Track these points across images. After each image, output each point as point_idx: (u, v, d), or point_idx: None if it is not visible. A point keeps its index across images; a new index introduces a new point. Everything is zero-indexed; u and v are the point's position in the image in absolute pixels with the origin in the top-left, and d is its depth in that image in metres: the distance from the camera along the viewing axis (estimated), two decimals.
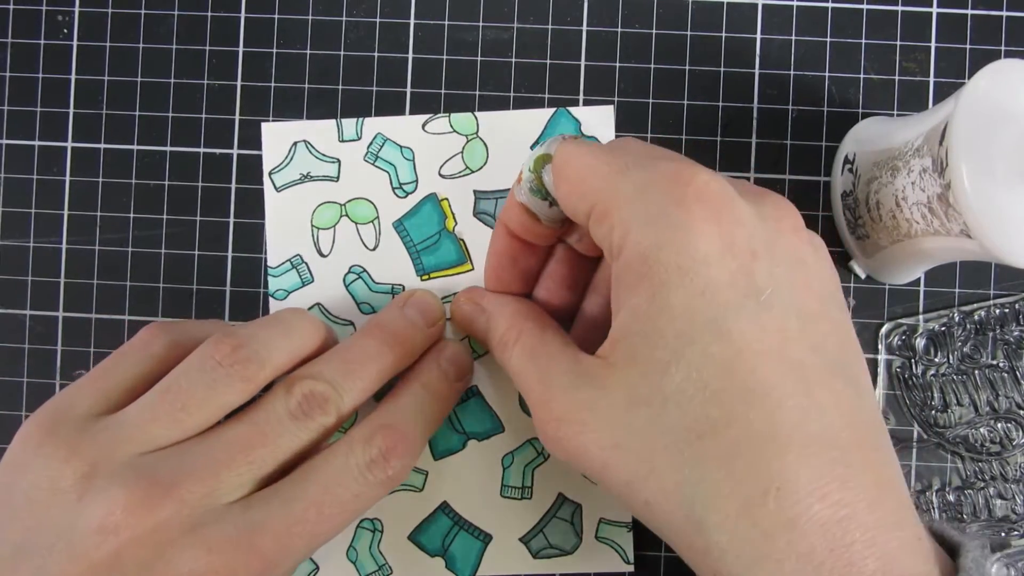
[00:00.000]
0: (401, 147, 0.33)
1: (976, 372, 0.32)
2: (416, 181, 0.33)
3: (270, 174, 0.33)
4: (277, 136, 0.33)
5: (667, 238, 0.22)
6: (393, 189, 0.33)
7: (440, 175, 0.33)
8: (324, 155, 0.33)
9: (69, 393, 0.26)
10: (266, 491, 0.25)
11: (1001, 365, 0.32)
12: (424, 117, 0.33)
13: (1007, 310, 0.32)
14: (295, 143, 0.33)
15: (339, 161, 0.33)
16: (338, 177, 0.33)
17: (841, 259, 0.32)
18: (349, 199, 0.33)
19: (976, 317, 0.32)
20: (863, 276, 0.32)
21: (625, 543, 0.32)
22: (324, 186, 0.33)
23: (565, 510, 0.32)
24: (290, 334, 0.28)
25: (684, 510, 0.21)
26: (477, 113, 0.33)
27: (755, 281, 0.22)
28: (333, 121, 0.33)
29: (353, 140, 0.33)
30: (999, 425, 0.32)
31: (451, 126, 0.33)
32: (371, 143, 0.33)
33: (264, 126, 0.33)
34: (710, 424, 0.21)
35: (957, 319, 0.32)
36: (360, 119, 0.33)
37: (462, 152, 0.33)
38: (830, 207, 0.33)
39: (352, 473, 0.26)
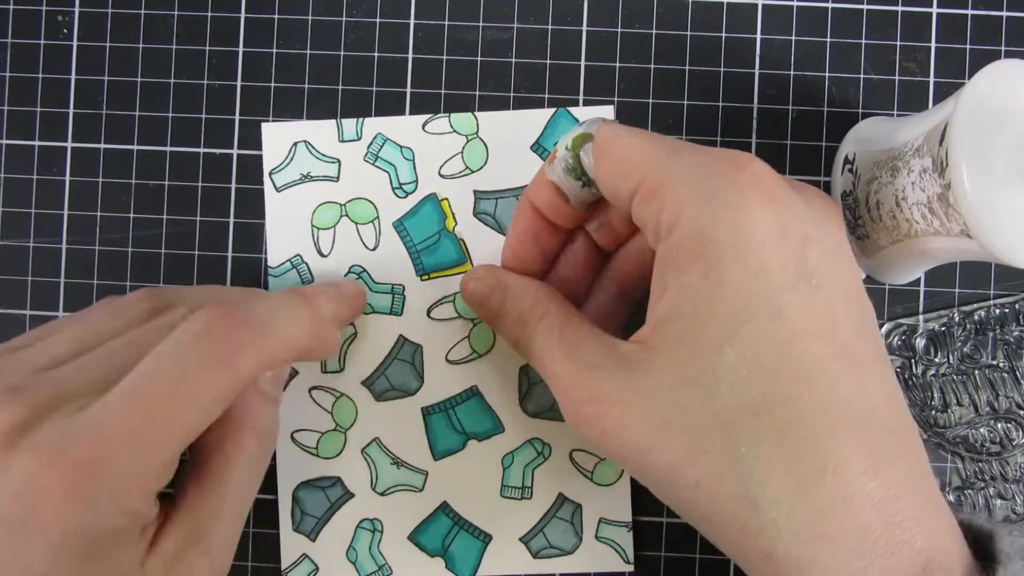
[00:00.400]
0: (401, 147, 0.33)
1: (976, 372, 0.32)
2: (416, 181, 0.33)
3: (270, 174, 0.33)
4: (277, 136, 0.33)
5: (724, 218, 0.22)
6: (393, 189, 0.33)
7: (440, 175, 0.33)
8: (324, 155, 0.33)
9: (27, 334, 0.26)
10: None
11: (1001, 365, 0.32)
12: (424, 117, 0.33)
13: (1007, 310, 0.32)
14: (295, 143, 0.33)
15: (339, 161, 0.33)
16: (338, 177, 0.33)
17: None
18: (349, 199, 0.33)
19: (976, 317, 0.32)
20: (863, 276, 0.32)
21: (625, 543, 0.32)
22: (324, 186, 0.33)
23: (565, 510, 0.32)
24: (217, 292, 0.28)
25: (739, 488, 0.21)
26: (477, 113, 0.33)
27: (807, 265, 0.22)
28: (333, 121, 0.33)
29: (353, 140, 0.33)
30: (999, 425, 0.32)
31: (451, 126, 0.33)
32: (371, 143, 0.33)
33: (264, 126, 0.33)
34: (765, 403, 0.21)
35: (957, 319, 0.32)
36: (360, 119, 0.33)
37: (462, 152, 0.33)
38: None
39: (176, 346, 0.23)
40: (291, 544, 0.32)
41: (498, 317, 0.28)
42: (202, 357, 0.23)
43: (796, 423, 0.21)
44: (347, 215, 0.33)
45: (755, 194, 0.22)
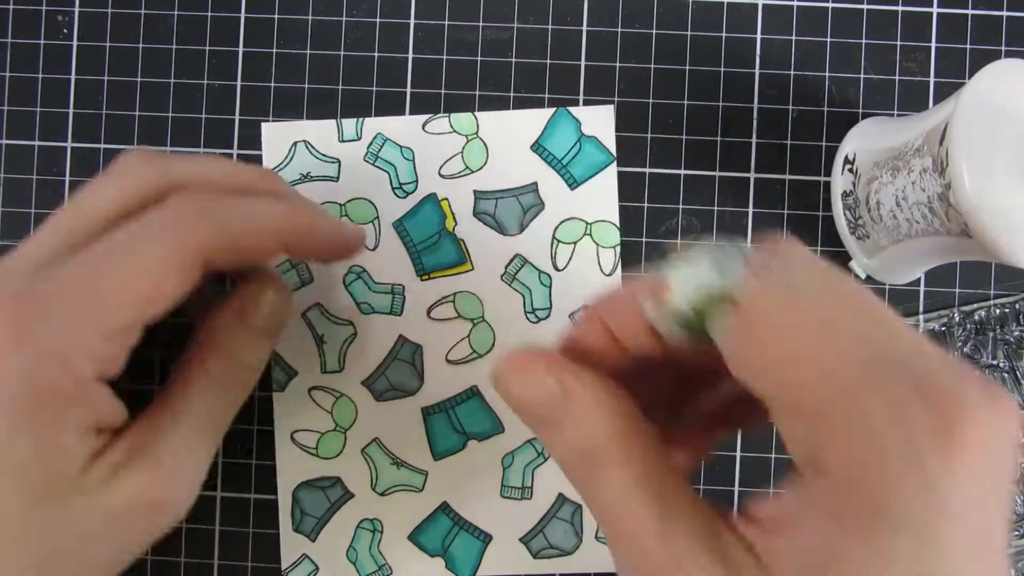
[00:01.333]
0: (401, 147, 0.33)
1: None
2: (416, 181, 0.33)
3: None
4: (277, 136, 0.33)
5: (916, 490, 0.16)
6: (393, 189, 0.33)
7: (440, 175, 0.33)
8: (324, 155, 0.33)
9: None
10: None
11: (1001, 365, 0.32)
12: (424, 117, 0.33)
13: (1007, 310, 0.32)
14: (295, 143, 0.33)
15: (339, 161, 0.33)
16: (338, 177, 0.33)
17: (841, 259, 0.32)
18: (349, 199, 0.33)
19: (976, 317, 0.32)
20: (863, 276, 0.32)
21: None
22: (324, 186, 0.33)
23: (565, 510, 0.32)
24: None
25: None
26: (477, 113, 0.33)
27: (994, 541, 0.17)
28: (333, 121, 0.33)
29: (353, 140, 0.33)
30: None
31: (451, 126, 0.33)
32: (371, 143, 0.33)
33: (264, 126, 0.33)
34: None
35: (957, 319, 0.32)
36: (360, 119, 0.33)
37: (462, 152, 0.33)
38: (830, 207, 0.33)
39: (138, 226, 0.24)
40: (291, 544, 0.32)
41: (551, 433, 0.20)
42: (155, 234, 0.23)
43: None
44: (347, 215, 0.33)
45: (966, 459, 0.16)
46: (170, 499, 0.25)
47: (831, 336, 0.17)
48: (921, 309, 0.32)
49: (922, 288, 0.33)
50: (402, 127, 0.33)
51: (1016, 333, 0.32)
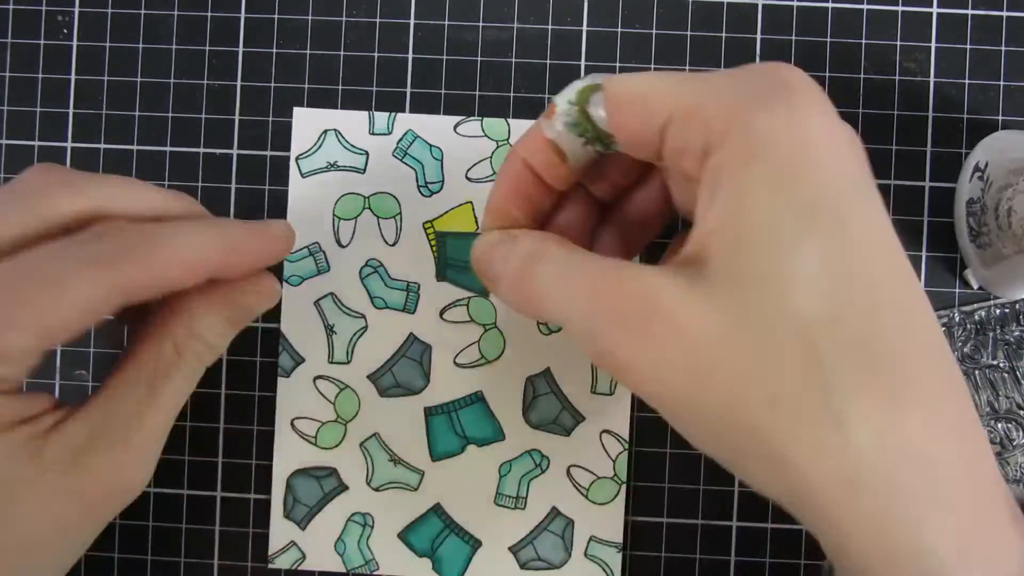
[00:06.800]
0: (431, 146, 0.33)
1: (976, 372, 0.32)
2: (442, 181, 0.33)
3: (297, 159, 0.33)
4: (308, 122, 0.33)
5: (781, 117, 0.20)
6: (419, 187, 0.33)
7: (467, 178, 0.33)
8: (353, 146, 0.33)
9: None
10: None
11: (1001, 365, 0.32)
12: (457, 118, 0.33)
13: (1007, 310, 0.32)
14: (325, 131, 0.33)
15: (367, 153, 0.33)
16: (364, 169, 0.33)
17: (953, 267, 0.32)
18: (373, 192, 0.33)
19: (976, 317, 0.32)
20: (976, 287, 0.32)
21: (614, 564, 0.32)
22: (350, 177, 0.33)
23: (557, 524, 0.32)
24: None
25: (823, 400, 0.19)
26: (510, 120, 0.33)
27: (862, 169, 0.21)
28: (365, 113, 0.33)
29: (384, 134, 0.33)
30: (999, 425, 0.32)
31: (483, 130, 0.33)
32: (401, 139, 0.33)
33: (296, 111, 0.33)
34: (841, 311, 0.19)
35: (957, 319, 0.32)
36: (392, 113, 0.33)
37: (491, 157, 0.33)
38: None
39: (58, 247, 0.23)
40: (280, 530, 0.32)
41: (500, 273, 0.25)
42: (80, 269, 0.23)
43: (875, 336, 0.19)
44: (370, 208, 0.33)
45: (806, 97, 0.21)
46: (138, 480, 0.25)
47: (671, 74, 0.22)
48: None
49: (922, 288, 0.32)
50: (434, 126, 0.33)
51: (1016, 333, 0.32)
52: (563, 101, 0.24)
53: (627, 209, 0.27)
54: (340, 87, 0.33)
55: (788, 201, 0.20)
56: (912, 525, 0.19)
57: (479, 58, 0.33)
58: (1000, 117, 0.33)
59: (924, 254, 0.32)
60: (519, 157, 0.25)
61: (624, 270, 0.21)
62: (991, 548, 0.19)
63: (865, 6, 0.33)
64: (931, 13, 0.33)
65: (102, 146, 0.33)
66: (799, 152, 0.20)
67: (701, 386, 0.20)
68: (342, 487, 0.32)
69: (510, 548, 0.32)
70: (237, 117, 0.33)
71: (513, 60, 0.33)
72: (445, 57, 0.33)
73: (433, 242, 0.32)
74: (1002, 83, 0.33)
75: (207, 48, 0.33)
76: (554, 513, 0.32)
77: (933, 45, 0.33)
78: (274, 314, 0.32)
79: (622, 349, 0.20)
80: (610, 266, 0.22)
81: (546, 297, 0.23)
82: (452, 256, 0.32)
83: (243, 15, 0.33)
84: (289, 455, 0.32)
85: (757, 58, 0.33)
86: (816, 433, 0.19)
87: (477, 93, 0.33)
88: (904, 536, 0.19)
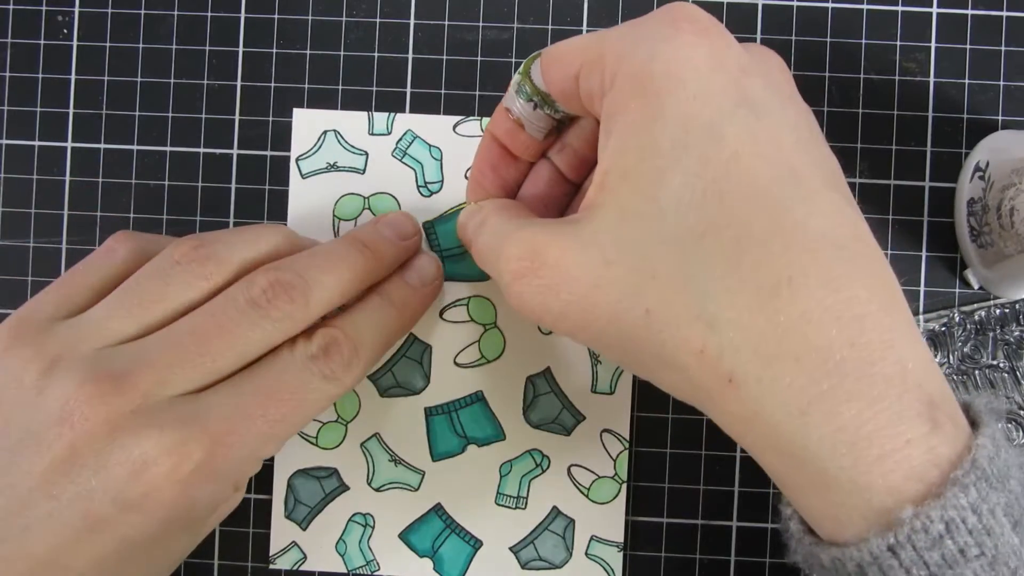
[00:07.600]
0: (430, 146, 0.33)
1: (976, 372, 0.32)
2: (442, 181, 0.33)
3: (297, 160, 0.33)
4: (308, 123, 0.33)
5: (658, 50, 0.21)
6: (418, 187, 0.33)
7: (467, 178, 0.32)
8: (353, 146, 0.33)
9: (35, 299, 0.27)
10: (219, 384, 0.25)
11: (1001, 365, 0.32)
12: (456, 118, 0.33)
13: (1007, 310, 0.32)
14: (325, 132, 0.33)
15: (367, 154, 0.33)
16: (364, 170, 0.33)
17: (953, 267, 0.32)
18: (373, 192, 0.33)
19: (976, 317, 0.32)
20: (976, 287, 0.32)
21: (615, 563, 0.32)
22: (349, 177, 0.33)
23: (558, 524, 0.32)
24: (257, 239, 0.28)
25: (694, 309, 0.20)
26: None
27: (747, 93, 0.21)
28: (364, 113, 0.33)
29: (383, 134, 0.33)
30: (999, 425, 0.32)
31: (482, 130, 0.33)
32: (400, 139, 0.33)
33: (296, 111, 0.33)
34: (712, 224, 0.20)
35: (957, 319, 0.32)
36: (391, 114, 0.33)
37: None
38: None
39: (297, 364, 0.26)
40: (281, 530, 0.32)
41: (469, 245, 0.28)
42: (318, 376, 0.26)
43: (746, 241, 0.20)
44: (370, 208, 0.33)
45: (689, 27, 0.22)
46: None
47: (594, 32, 0.24)
48: (921, 309, 0.32)
49: (922, 288, 0.33)
50: (433, 126, 0.33)
51: (1016, 333, 0.32)
52: (516, 77, 0.26)
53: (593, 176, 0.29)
54: (340, 87, 0.33)
55: (662, 131, 0.21)
56: (795, 418, 0.20)
57: (479, 58, 0.33)
58: (1000, 117, 0.33)
59: (924, 254, 0.32)
60: (489, 132, 0.28)
61: (523, 230, 0.23)
62: (890, 441, 0.19)
63: (865, 6, 0.33)
64: (931, 13, 0.33)
65: (102, 146, 0.33)
66: (673, 83, 0.21)
67: (593, 316, 0.22)
68: (343, 487, 0.32)
69: (511, 548, 0.32)
70: (237, 117, 0.33)
71: (513, 60, 0.33)
72: (445, 57, 0.33)
73: (432, 242, 0.32)
74: (1002, 83, 0.33)
75: (207, 48, 0.33)
76: (555, 513, 0.32)
77: (933, 45, 0.33)
78: None
79: (527, 300, 0.23)
80: (514, 228, 0.24)
81: (484, 262, 0.26)
82: (444, 247, 0.32)
83: (243, 15, 0.33)
84: (290, 455, 0.32)
85: None
86: (691, 337, 0.20)
87: (477, 93, 0.33)
88: (788, 430, 0.20)
